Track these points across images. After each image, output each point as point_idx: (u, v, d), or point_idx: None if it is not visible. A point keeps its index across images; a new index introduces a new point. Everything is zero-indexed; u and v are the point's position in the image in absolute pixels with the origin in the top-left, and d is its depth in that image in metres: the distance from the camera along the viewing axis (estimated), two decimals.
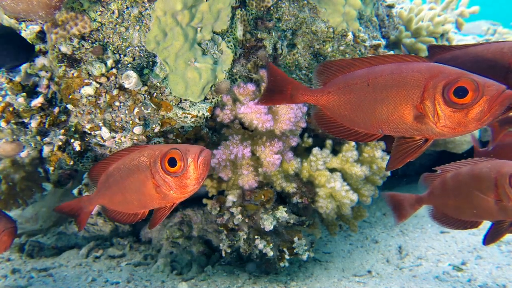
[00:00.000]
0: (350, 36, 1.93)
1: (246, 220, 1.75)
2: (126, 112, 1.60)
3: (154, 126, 1.63)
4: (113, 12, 1.55)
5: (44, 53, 1.65)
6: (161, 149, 1.25)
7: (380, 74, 1.13)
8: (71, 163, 1.68)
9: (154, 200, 1.30)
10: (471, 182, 1.34)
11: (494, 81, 1.00)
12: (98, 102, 1.57)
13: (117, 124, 1.61)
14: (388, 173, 1.90)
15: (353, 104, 1.20)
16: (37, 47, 1.63)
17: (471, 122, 1.01)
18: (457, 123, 1.03)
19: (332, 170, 1.84)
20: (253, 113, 1.65)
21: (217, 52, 1.68)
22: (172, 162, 1.21)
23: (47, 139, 1.72)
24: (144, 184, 1.27)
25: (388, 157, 1.89)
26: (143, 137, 1.64)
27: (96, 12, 1.54)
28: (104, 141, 1.63)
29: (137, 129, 1.60)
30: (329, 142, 1.87)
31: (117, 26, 1.57)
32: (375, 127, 1.17)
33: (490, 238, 1.39)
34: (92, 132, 1.63)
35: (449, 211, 1.45)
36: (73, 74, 1.56)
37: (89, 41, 1.56)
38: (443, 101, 1.02)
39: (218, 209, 1.79)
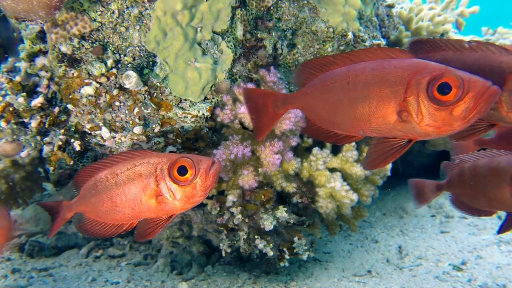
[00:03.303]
0: (350, 36, 1.93)
1: (246, 220, 1.75)
2: (126, 112, 1.60)
3: (154, 126, 1.63)
4: (113, 12, 1.55)
5: (44, 53, 1.65)
6: (170, 157, 1.22)
7: (361, 71, 1.05)
8: (71, 163, 1.68)
9: (151, 209, 1.25)
10: (488, 175, 1.39)
11: (480, 77, 0.93)
12: (98, 102, 1.57)
13: (117, 124, 1.61)
14: (388, 173, 1.90)
15: (331, 104, 1.11)
16: (37, 47, 1.63)
17: (456, 120, 0.94)
18: (441, 121, 0.96)
19: (332, 170, 1.84)
20: None
21: (217, 52, 1.68)
22: (181, 171, 1.18)
23: (47, 139, 1.72)
24: (145, 191, 1.23)
25: None
26: (143, 137, 1.64)
27: (96, 12, 1.54)
28: (104, 141, 1.63)
29: (137, 129, 1.60)
30: None
31: (117, 26, 1.57)
32: (356, 129, 1.10)
33: (505, 227, 1.47)
34: (92, 132, 1.63)
35: (465, 200, 1.52)
36: (73, 74, 1.56)
37: (89, 41, 1.56)
38: (427, 98, 0.95)
39: (218, 209, 1.79)
